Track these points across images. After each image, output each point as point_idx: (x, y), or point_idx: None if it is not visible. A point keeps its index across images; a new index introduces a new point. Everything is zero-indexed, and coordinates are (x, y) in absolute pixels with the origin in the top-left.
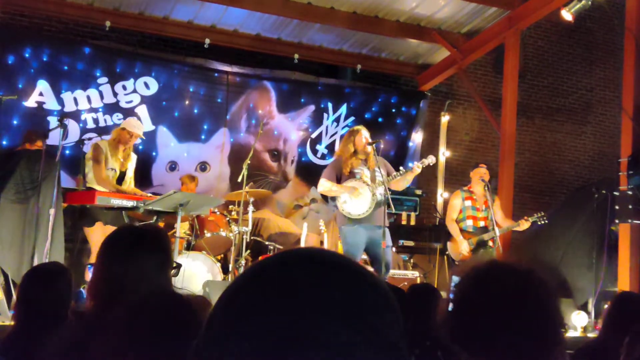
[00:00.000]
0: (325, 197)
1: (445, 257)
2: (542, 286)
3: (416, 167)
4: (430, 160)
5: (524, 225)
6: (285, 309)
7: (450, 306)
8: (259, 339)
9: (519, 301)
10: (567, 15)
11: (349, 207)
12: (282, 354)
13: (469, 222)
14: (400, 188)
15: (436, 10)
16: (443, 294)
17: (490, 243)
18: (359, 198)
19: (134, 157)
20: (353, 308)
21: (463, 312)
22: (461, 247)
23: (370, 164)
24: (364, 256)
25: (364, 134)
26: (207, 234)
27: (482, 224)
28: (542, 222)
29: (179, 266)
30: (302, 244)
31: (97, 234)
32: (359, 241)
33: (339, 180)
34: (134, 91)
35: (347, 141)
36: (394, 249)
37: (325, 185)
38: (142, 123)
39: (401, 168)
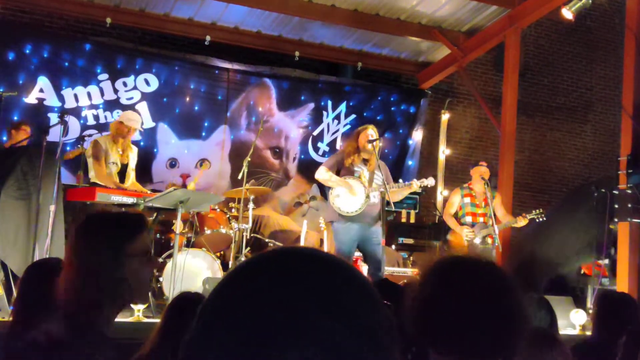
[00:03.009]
0: (324, 195)
1: (446, 251)
2: (504, 282)
3: (414, 184)
4: (429, 182)
5: (521, 221)
6: (268, 300)
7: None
8: (243, 328)
9: (481, 298)
10: (567, 13)
11: (340, 202)
12: (265, 342)
13: (468, 219)
14: (394, 200)
15: (437, 8)
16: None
17: (489, 240)
18: (352, 196)
19: (135, 150)
20: (331, 296)
21: (427, 308)
22: (462, 233)
23: (371, 166)
24: (357, 253)
25: (370, 132)
26: (207, 231)
27: (481, 220)
28: (540, 218)
29: (148, 255)
30: (302, 242)
31: None
32: (350, 238)
33: (338, 173)
34: (135, 88)
35: (352, 137)
36: (393, 247)
37: (323, 174)
38: (140, 116)
39: (400, 181)
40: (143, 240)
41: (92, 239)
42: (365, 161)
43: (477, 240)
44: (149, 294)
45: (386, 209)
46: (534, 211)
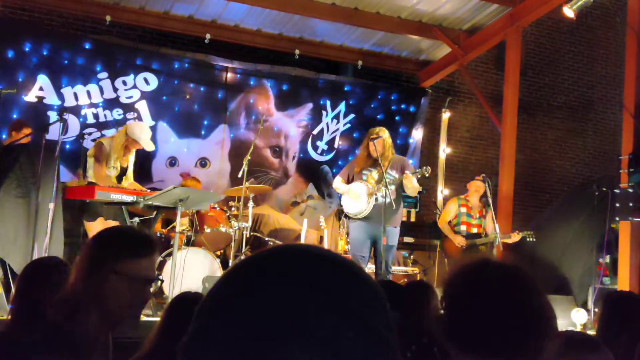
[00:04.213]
0: (321, 194)
1: (443, 256)
2: (529, 283)
3: (405, 177)
4: (425, 170)
5: (514, 237)
6: (270, 299)
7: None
8: (244, 328)
9: (508, 298)
10: (569, 12)
11: (347, 206)
12: (267, 342)
13: (463, 227)
14: (410, 194)
15: (437, 6)
16: (438, 291)
17: (481, 249)
18: (354, 198)
19: (134, 152)
20: (338, 296)
21: (454, 310)
22: (456, 240)
23: (383, 166)
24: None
25: (380, 135)
26: (207, 230)
27: (474, 230)
28: (531, 239)
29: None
30: (302, 240)
31: (98, 229)
32: (360, 237)
33: (351, 179)
34: (134, 87)
35: (363, 143)
36: None
37: (335, 183)
38: (149, 129)
39: (396, 176)
40: (139, 265)
41: (89, 248)
42: (376, 162)
43: (469, 246)
44: (137, 319)
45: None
46: (526, 231)
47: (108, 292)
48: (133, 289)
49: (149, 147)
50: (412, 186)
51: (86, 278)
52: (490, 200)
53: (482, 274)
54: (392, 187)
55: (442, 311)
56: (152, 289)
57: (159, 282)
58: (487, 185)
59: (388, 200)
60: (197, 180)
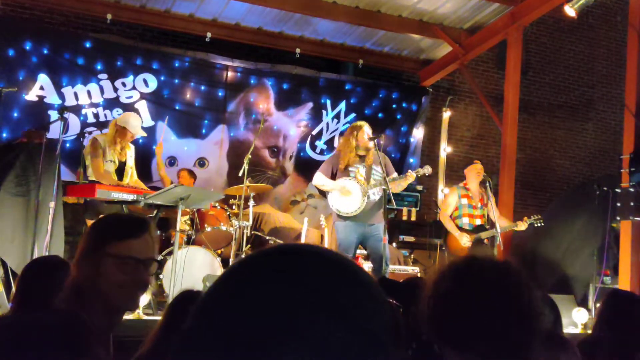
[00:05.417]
0: (322, 192)
1: (445, 253)
2: (518, 280)
3: (409, 175)
4: (426, 170)
5: (521, 226)
6: (263, 299)
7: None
8: (235, 330)
9: (496, 296)
10: (570, 11)
11: (338, 204)
12: (258, 343)
13: (465, 220)
14: (395, 191)
15: (438, 5)
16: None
17: (486, 241)
18: (348, 197)
19: (132, 147)
20: (331, 298)
21: (443, 308)
22: (461, 240)
23: (369, 162)
24: (363, 251)
25: (367, 130)
26: (208, 228)
27: (478, 221)
28: (539, 224)
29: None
30: (303, 239)
31: None
32: (350, 236)
33: (334, 175)
34: (133, 88)
35: (348, 136)
36: (394, 244)
37: (318, 179)
38: (140, 117)
39: (394, 174)
40: (129, 246)
41: (85, 235)
42: (363, 158)
43: (475, 243)
44: (135, 302)
45: (387, 206)
46: (533, 216)
47: (101, 274)
48: (125, 270)
49: (139, 132)
50: (403, 186)
51: (81, 264)
52: (490, 193)
53: (472, 271)
54: (381, 187)
55: (430, 308)
56: (151, 271)
57: (154, 263)
58: (487, 184)
59: (377, 197)
60: (191, 174)
